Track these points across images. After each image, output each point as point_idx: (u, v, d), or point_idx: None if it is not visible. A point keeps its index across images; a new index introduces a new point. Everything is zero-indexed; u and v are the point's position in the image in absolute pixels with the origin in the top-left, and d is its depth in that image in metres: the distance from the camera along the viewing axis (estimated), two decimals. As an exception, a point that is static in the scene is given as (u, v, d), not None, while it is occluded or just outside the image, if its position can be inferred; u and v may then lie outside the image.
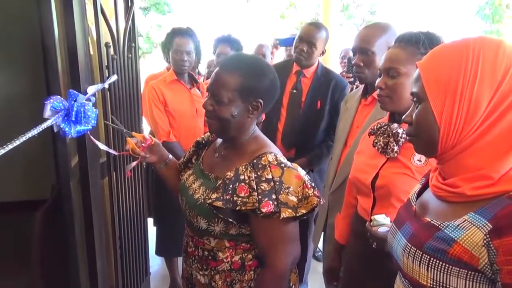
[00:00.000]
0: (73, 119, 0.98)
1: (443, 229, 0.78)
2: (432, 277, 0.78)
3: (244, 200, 1.11)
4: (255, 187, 1.11)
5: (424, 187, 0.96)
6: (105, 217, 1.84)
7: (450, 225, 0.77)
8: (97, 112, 1.06)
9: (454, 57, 0.78)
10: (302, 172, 1.19)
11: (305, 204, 1.13)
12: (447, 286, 0.76)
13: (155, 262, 3.11)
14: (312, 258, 3.32)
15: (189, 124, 2.57)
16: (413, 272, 0.83)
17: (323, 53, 2.42)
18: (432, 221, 0.82)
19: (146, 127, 2.82)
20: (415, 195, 0.96)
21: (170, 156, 1.45)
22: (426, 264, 0.79)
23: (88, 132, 1.07)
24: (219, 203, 1.12)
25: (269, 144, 1.23)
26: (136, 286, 2.22)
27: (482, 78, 0.75)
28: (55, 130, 0.98)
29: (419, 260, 0.81)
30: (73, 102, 0.99)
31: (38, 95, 1.35)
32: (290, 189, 1.11)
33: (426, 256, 0.79)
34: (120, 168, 1.92)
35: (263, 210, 1.09)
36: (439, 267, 0.77)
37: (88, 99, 1.08)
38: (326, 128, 2.41)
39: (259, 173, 1.12)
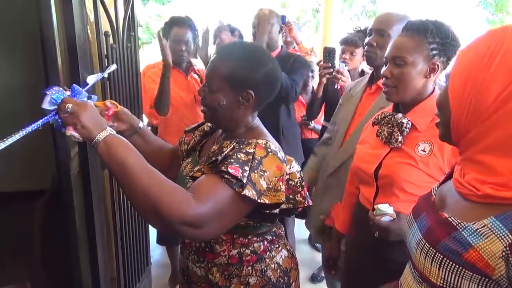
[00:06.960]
0: None
1: (460, 230, 0.75)
2: (443, 277, 0.76)
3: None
4: (230, 153, 1.02)
5: (448, 178, 0.91)
6: (105, 208, 1.84)
7: (469, 227, 0.73)
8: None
9: (482, 44, 0.75)
10: (295, 168, 1.16)
11: (271, 196, 1.03)
12: None
13: (156, 252, 3.13)
14: (312, 248, 3.34)
15: (188, 112, 2.55)
16: (424, 269, 0.81)
17: (281, 28, 2.58)
18: (449, 218, 0.78)
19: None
20: (437, 186, 0.93)
21: (141, 124, 1.36)
22: (439, 263, 0.76)
23: None
24: (198, 174, 1.06)
25: (265, 134, 1.18)
26: (137, 276, 2.23)
27: (498, 67, 0.71)
28: (51, 122, 0.99)
29: (431, 258, 0.78)
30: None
31: (37, 85, 1.33)
32: (265, 174, 1.02)
33: (439, 255, 0.76)
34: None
35: (230, 171, 0.96)
36: (452, 269, 0.74)
37: (90, 97, 1.08)
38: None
39: (241, 146, 1.05)
